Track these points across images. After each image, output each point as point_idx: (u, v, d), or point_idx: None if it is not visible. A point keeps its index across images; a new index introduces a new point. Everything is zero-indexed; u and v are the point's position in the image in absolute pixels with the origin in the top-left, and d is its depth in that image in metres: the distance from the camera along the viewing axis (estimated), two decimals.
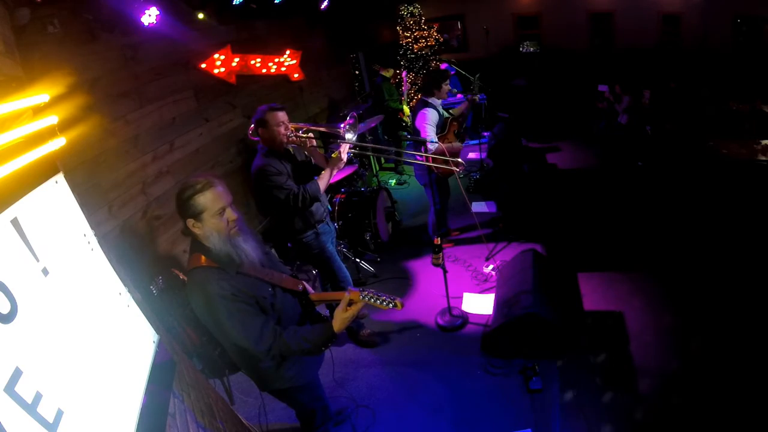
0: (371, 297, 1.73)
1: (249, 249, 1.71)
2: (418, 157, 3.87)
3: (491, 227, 4.59)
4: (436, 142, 3.52)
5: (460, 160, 3.05)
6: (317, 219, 2.87)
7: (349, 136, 2.64)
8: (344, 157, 2.62)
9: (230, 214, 1.65)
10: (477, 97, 3.98)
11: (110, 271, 1.65)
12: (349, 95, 7.35)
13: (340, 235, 4.17)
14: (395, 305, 1.71)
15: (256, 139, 2.74)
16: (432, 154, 3.37)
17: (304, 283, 1.99)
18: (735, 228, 3.93)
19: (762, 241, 3.66)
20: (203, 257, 1.63)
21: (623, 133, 6.25)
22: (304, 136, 2.66)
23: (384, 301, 1.72)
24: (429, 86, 3.73)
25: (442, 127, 3.77)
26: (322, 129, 2.81)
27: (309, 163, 2.84)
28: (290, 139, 2.65)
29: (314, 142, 2.69)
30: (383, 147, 2.68)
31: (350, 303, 1.74)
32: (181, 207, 1.61)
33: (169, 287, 2.93)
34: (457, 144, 3.80)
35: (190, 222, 1.61)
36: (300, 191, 2.61)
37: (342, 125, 2.60)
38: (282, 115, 2.62)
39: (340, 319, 1.71)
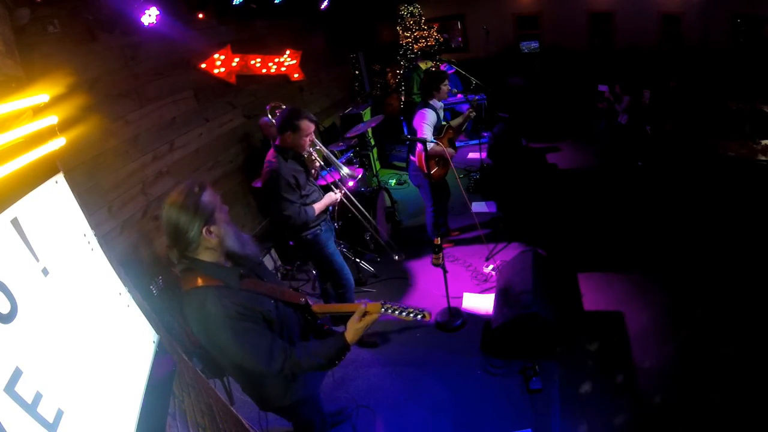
0: (394, 309, 1.63)
1: (248, 239, 1.68)
2: (413, 157, 3.88)
3: (491, 227, 4.59)
4: (435, 142, 3.52)
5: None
6: (322, 217, 2.91)
7: (346, 171, 3.03)
8: (339, 197, 3.01)
9: (224, 206, 1.59)
10: (473, 114, 3.98)
11: (110, 271, 1.65)
12: (349, 95, 7.36)
13: (340, 235, 4.17)
14: (423, 316, 1.62)
15: (265, 120, 2.81)
16: (430, 151, 3.39)
17: (306, 296, 1.94)
18: (735, 228, 3.93)
19: (762, 241, 3.65)
20: (200, 278, 1.49)
21: (623, 133, 6.25)
22: (316, 159, 2.87)
23: (411, 312, 1.63)
24: (428, 88, 3.73)
25: (438, 132, 3.76)
26: (332, 156, 3.05)
27: (309, 171, 2.90)
28: (307, 152, 2.77)
29: (317, 164, 2.88)
30: (368, 218, 3.06)
31: (364, 314, 1.68)
32: (189, 220, 1.44)
33: (169, 287, 2.93)
34: (449, 150, 3.79)
35: (207, 230, 1.46)
36: (300, 212, 2.70)
37: (351, 179, 3.01)
38: (313, 127, 2.69)
39: (353, 330, 1.65)
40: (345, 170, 3.05)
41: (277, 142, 2.73)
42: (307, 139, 2.66)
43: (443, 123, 3.86)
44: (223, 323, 1.47)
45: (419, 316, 1.63)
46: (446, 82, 3.72)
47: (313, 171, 2.92)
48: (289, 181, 2.64)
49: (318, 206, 2.82)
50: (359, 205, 3.08)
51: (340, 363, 1.69)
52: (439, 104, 3.78)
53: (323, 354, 1.63)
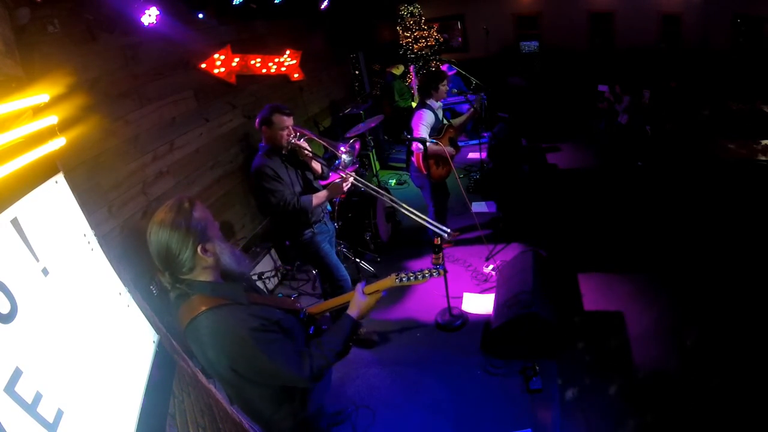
0: (408, 276, 1.65)
1: (239, 255, 1.58)
2: (413, 157, 3.87)
3: (491, 227, 4.59)
4: (434, 141, 3.51)
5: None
6: (314, 219, 2.89)
7: (346, 158, 2.81)
8: (345, 189, 2.79)
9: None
10: (477, 109, 3.95)
11: (110, 271, 1.65)
12: (349, 95, 7.35)
13: (340, 235, 4.17)
14: (438, 273, 1.65)
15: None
16: (429, 151, 3.39)
17: (299, 302, 1.90)
18: (735, 228, 3.93)
19: (762, 241, 3.65)
20: (202, 301, 1.37)
21: (623, 133, 6.25)
22: (305, 148, 2.75)
23: (425, 274, 1.65)
24: (426, 88, 3.73)
25: (438, 131, 3.76)
26: (323, 142, 2.92)
27: (306, 165, 2.86)
28: (290, 144, 2.72)
29: (309, 153, 2.79)
30: (382, 193, 2.85)
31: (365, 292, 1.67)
32: (182, 238, 1.32)
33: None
34: (449, 148, 3.78)
35: (202, 248, 1.36)
36: (292, 201, 2.67)
37: (343, 147, 2.75)
38: (288, 120, 2.67)
39: (357, 304, 1.63)
40: (345, 157, 2.94)
41: (261, 143, 2.76)
42: (283, 133, 2.65)
43: (444, 122, 3.85)
44: (248, 338, 1.36)
45: (435, 274, 1.64)
46: (445, 82, 3.70)
47: (317, 166, 2.85)
48: (267, 173, 2.64)
49: (319, 195, 2.76)
50: (369, 185, 2.87)
51: (352, 344, 1.65)
52: (437, 104, 3.77)
53: (337, 340, 1.58)
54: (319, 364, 1.49)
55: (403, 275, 1.67)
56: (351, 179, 2.78)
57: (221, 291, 1.41)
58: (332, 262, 3.04)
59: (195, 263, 1.37)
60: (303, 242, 2.90)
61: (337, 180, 2.80)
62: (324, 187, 2.92)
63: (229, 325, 1.36)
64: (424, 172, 3.65)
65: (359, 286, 1.69)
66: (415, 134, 3.58)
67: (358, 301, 1.65)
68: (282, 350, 1.43)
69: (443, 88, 3.70)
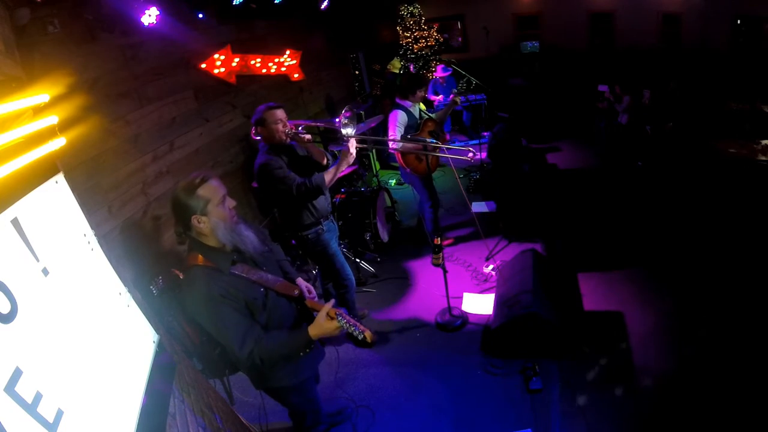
0: (345, 323, 1.70)
1: (251, 236, 1.73)
2: (395, 153, 3.93)
3: (491, 227, 4.59)
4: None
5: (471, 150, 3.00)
6: (323, 214, 2.87)
7: (349, 130, 2.59)
8: (353, 151, 2.61)
9: (230, 201, 1.70)
10: (459, 99, 4.03)
11: (110, 271, 1.65)
12: (349, 95, 7.35)
13: (340, 235, 4.16)
14: (365, 338, 1.70)
15: (257, 138, 2.76)
16: (403, 148, 3.53)
17: (302, 287, 1.93)
18: (735, 228, 3.93)
19: (762, 240, 3.65)
20: (200, 256, 1.64)
21: (623, 133, 6.25)
22: (301, 134, 2.70)
23: (355, 331, 1.71)
24: (404, 90, 3.81)
25: (416, 128, 3.82)
26: (320, 125, 2.87)
27: (309, 157, 2.85)
28: (288, 135, 2.68)
29: (309, 137, 2.73)
30: (383, 139, 2.76)
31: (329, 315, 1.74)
32: (184, 205, 1.60)
33: (169, 287, 2.93)
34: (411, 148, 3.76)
35: (195, 219, 1.61)
36: (304, 181, 2.64)
37: (337, 120, 2.59)
38: (280, 113, 2.65)
39: (317, 326, 1.71)
40: (344, 130, 2.61)
41: (261, 143, 2.75)
42: (278, 126, 2.62)
43: (424, 117, 3.90)
44: (205, 303, 1.61)
45: (360, 336, 1.71)
46: (424, 89, 3.80)
47: (319, 154, 2.81)
48: (272, 165, 2.62)
49: (330, 170, 2.70)
50: (375, 138, 2.75)
51: (304, 355, 1.83)
52: (410, 104, 3.81)
53: (289, 345, 1.73)
54: (261, 355, 1.65)
55: (344, 320, 1.71)
56: (353, 141, 2.62)
57: (209, 255, 1.66)
58: (340, 261, 3.03)
59: (191, 227, 1.64)
60: (311, 241, 2.88)
61: (345, 153, 2.63)
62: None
63: (199, 285, 1.61)
64: (408, 170, 3.78)
65: (327, 306, 1.75)
66: (390, 135, 3.66)
67: (320, 323, 1.71)
68: (228, 324, 1.62)
69: (420, 93, 3.80)
